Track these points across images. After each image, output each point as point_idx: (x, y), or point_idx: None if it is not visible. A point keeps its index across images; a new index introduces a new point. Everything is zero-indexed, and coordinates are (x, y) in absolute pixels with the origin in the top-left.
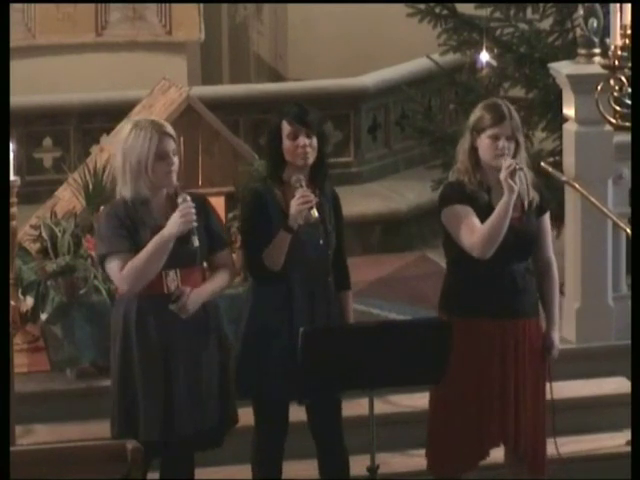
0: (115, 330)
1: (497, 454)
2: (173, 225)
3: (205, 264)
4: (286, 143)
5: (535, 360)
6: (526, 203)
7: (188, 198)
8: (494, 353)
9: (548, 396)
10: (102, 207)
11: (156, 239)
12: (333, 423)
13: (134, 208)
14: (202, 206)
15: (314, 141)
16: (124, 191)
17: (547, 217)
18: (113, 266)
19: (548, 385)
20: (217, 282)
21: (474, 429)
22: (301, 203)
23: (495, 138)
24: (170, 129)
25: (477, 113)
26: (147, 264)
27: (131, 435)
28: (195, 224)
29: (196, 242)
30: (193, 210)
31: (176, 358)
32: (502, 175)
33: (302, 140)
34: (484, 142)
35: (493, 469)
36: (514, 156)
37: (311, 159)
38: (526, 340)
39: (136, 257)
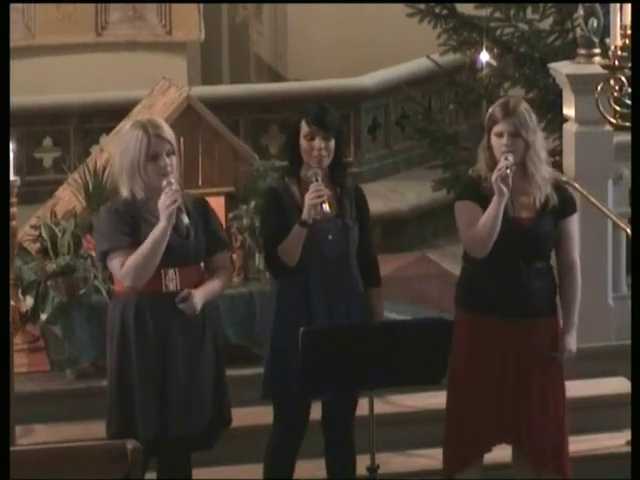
0: (112, 328)
1: (499, 454)
2: (163, 213)
3: (202, 265)
4: (303, 143)
5: (543, 360)
6: (538, 204)
7: (172, 181)
8: (495, 351)
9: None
10: (102, 205)
11: (153, 232)
12: (348, 420)
13: (135, 205)
14: (201, 207)
15: (331, 144)
16: (122, 190)
17: (571, 220)
18: (115, 262)
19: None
20: (217, 283)
21: (474, 425)
22: (314, 197)
23: (499, 134)
24: (164, 130)
25: (489, 110)
26: (146, 258)
27: (130, 435)
28: (179, 200)
29: (186, 220)
30: (175, 189)
31: (172, 357)
32: (493, 177)
33: (318, 143)
34: (493, 140)
35: (495, 469)
36: (523, 155)
37: (326, 162)
38: (532, 340)
39: (135, 253)
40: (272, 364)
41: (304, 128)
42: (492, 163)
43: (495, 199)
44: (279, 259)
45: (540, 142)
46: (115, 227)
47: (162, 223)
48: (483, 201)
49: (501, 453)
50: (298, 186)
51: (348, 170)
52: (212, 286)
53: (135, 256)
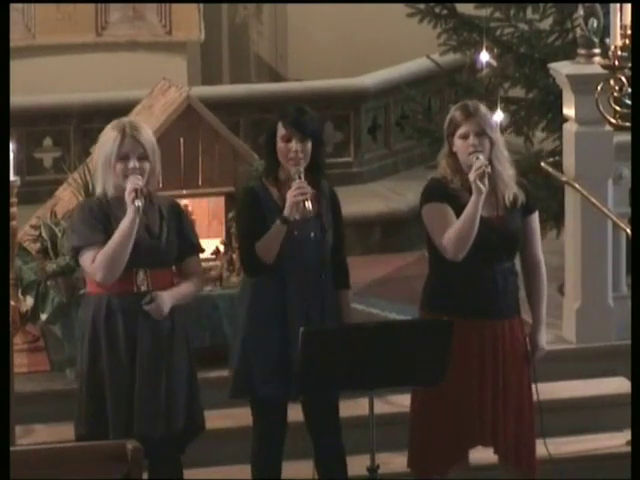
0: (83, 329)
1: (489, 455)
2: (128, 204)
3: (175, 270)
4: (279, 145)
5: (517, 360)
6: (507, 202)
7: (139, 177)
8: (471, 353)
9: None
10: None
11: (120, 225)
12: (330, 421)
13: (107, 204)
14: (176, 210)
15: (307, 146)
16: (97, 188)
17: (535, 216)
18: (86, 258)
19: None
20: (187, 287)
21: (451, 429)
22: (297, 194)
23: (465, 136)
24: (140, 134)
25: (448, 117)
26: (116, 251)
27: (99, 436)
28: (140, 184)
29: (141, 202)
30: (139, 182)
31: (142, 358)
32: (471, 176)
33: (294, 145)
34: (458, 143)
35: (487, 469)
36: (489, 153)
37: (302, 164)
38: (506, 341)
39: (105, 246)
40: (242, 363)
41: (280, 130)
42: (456, 167)
43: (473, 198)
44: (256, 256)
45: (502, 141)
46: (88, 224)
47: (129, 214)
48: (452, 201)
49: (491, 454)
50: (276, 187)
51: (348, 170)
52: (182, 290)
53: (105, 249)
